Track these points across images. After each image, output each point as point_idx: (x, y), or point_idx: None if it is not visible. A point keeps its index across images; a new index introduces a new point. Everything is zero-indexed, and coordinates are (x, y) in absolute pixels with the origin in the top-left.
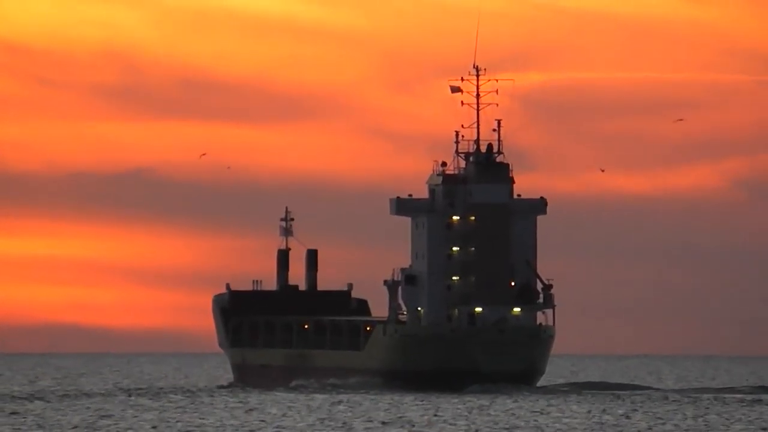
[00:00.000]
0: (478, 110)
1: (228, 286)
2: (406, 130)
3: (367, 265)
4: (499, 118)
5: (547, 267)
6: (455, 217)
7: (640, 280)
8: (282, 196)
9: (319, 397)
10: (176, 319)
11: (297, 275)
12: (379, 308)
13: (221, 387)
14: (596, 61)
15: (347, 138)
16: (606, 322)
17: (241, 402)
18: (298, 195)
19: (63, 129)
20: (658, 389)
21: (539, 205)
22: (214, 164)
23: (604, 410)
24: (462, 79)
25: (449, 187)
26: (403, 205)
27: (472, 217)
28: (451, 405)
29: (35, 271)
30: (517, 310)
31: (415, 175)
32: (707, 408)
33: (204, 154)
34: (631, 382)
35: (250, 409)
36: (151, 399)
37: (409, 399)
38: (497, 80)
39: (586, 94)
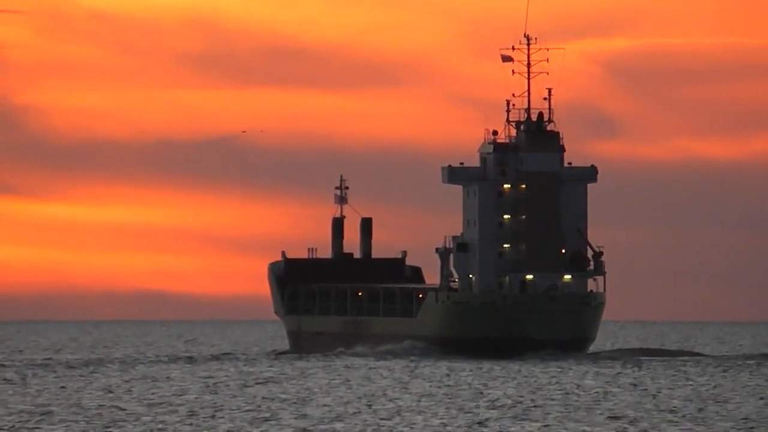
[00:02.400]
0: (528, 79)
1: (284, 253)
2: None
3: (422, 232)
4: (549, 86)
5: (598, 234)
6: (506, 185)
7: (695, 245)
8: (340, 163)
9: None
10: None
11: (352, 243)
12: (433, 275)
13: (278, 353)
14: (682, 27)
15: (425, 104)
16: (656, 288)
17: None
18: (355, 162)
19: (149, 97)
20: (708, 356)
21: (590, 173)
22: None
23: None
24: (513, 48)
25: (500, 156)
26: (454, 174)
27: (523, 186)
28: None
29: (123, 238)
30: (567, 277)
31: (473, 142)
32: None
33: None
34: (683, 348)
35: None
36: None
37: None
38: (548, 49)
39: (672, 60)
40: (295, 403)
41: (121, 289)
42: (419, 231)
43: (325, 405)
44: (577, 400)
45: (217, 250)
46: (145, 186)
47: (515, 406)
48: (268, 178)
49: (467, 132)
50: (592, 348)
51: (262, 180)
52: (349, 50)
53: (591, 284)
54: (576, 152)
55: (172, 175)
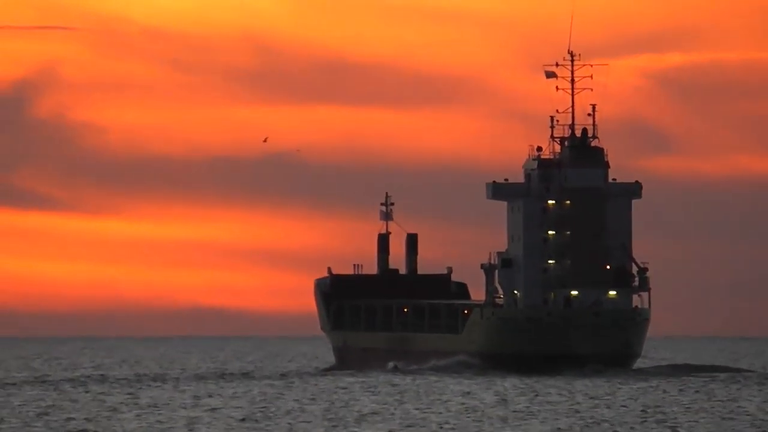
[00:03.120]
0: (573, 95)
1: (329, 269)
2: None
3: (467, 248)
4: (593, 102)
5: (642, 249)
6: (551, 201)
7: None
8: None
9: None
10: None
11: (397, 259)
12: (479, 292)
13: (324, 370)
14: (737, 42)
15: (472, 121)
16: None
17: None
18: (401, 178)
19: (203, 113)
20: (754, 371)
21: (635, 189)
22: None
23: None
24: (557, 65)
25: (545, 172)
26: (498, 190)
27: (568, 201)
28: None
29: (178, 255)
30: (612, 293)
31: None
32: None
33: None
34: (728, 365)
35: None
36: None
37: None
38: (591, 65)
39: (726, 75)
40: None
41: (177, 305)
42: (465, 247)
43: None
44: None
45: (271, 266)
46: (199, 202)
47: None
48: (318, 194)
49: (513, 148)
50: (637, 364)
51: (311, 196)
52: (401, 66)
53: (636, 300)
54: (626, 167)
55: (226, 192)
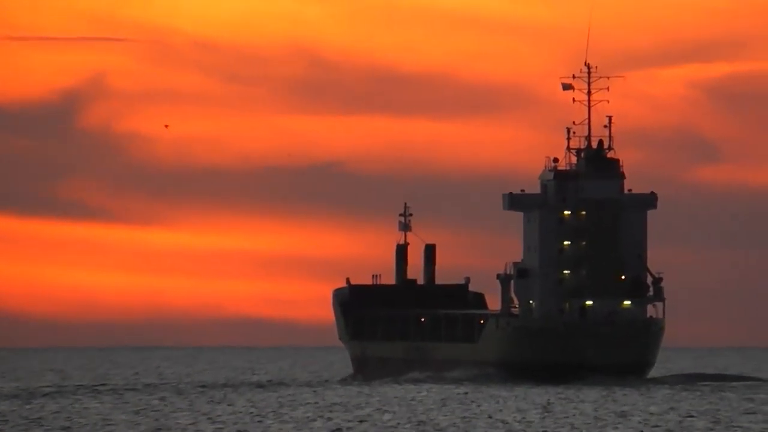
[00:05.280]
0: (589, 107)
1: (348, 280)
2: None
3: (485, 259)
4: (610, 114)
5: (658, 259)
6: (566, 212)
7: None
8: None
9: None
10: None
11: (415, 269)
12: (496, 302)
13: (342, 379)
14: None
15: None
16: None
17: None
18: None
19: (252, 124)
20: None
21: (650, 200)
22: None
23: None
24: (574, 77)
25: (561, 183)
26: (515, 201)
27: (583, 212)
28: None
29: (226, 264)
30: (627, 303)
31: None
32: None
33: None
34: (742, 374)
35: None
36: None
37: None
38: (608, 77)
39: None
40: None
41: (224, 315)
42: (483, 257)
43: None
44: None
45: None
46: (248, 213)
47: None
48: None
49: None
50: (651, 373)
51: (357, 206)
52: (450, 77)
53: (651, 310)
54: (672, 177)
55: (276, 202)
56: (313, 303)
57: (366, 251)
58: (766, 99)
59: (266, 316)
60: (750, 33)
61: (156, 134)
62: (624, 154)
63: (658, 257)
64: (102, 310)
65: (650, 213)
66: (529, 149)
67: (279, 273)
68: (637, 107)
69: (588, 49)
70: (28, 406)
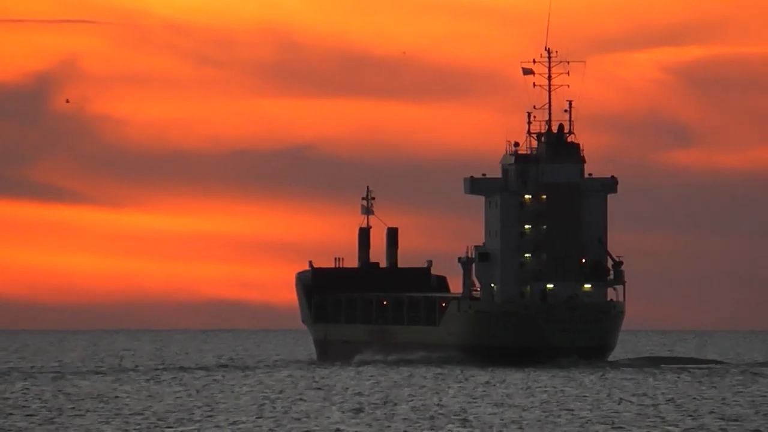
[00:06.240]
0: (549, 92)
1: (311, 263)
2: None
3: (448, 242)
4: (570, 99)
5: (619, 243)
6: (527, 196)
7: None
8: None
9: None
10: None
11: (378, 253)
12: (459, 285)
13: (309, 362)
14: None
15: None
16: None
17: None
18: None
19: (224, 107)
20: (723, 363)
21: (610, 184)
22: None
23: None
24: (534, 62)
25: (521, 167)
26: (476, 185)
27: (544, 196)
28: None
29: (198, 247)
30: (587, 286)
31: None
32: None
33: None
34: (700, 356)
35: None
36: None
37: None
38: (568, 62)
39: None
40: None
41: (196, 298)
42: (445, 241)
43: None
44: None
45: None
46: (219, 195)
47: None
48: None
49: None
50: (611, 357)
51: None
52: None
53: (611, 293)
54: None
55: (247, 185)
56: (281, 286)
57: (329, 234)
58: (738, 83)
59: (237, 299)
60: (722, 17)
61: (128, 117)
62: (587, 138)
63: (618, 241)
64: (74, 293)
65: (613, 197)
66: (492, 133)
67: (249, 255)
68: (607, 91)
69: (554, 33)
70: None
